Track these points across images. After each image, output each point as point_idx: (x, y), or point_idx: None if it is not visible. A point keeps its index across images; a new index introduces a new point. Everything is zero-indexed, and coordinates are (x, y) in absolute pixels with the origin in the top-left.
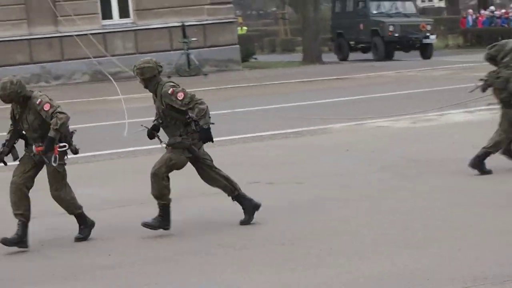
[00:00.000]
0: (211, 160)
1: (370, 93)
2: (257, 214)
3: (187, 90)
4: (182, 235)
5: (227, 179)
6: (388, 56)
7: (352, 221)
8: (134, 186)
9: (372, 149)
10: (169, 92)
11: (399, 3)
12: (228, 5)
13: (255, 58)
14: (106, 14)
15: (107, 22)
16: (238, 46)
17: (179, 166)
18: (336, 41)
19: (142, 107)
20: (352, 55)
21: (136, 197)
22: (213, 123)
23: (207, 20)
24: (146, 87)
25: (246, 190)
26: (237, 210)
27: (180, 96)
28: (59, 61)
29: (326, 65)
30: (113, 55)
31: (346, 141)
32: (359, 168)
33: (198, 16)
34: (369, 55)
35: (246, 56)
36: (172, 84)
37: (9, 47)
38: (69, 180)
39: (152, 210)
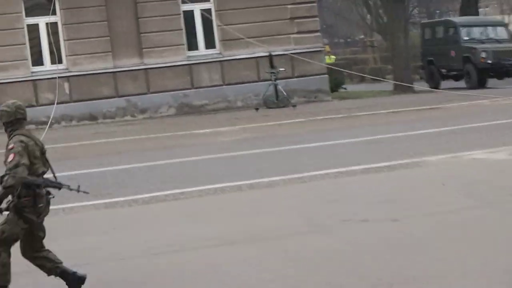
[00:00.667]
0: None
1: (465, 123)
2: (351, 253)
3: (20, 157)
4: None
5: (48, 259)
6: (481, 84)
7: (454, 262)
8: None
9: (469, 183)
10: (9, 147)
11: (490, 29)
12: (316, 34)
13: (345, 88)
14: (192, 45)
15: (192, 53)
16: (326, 75)
17: (15, 239)
18: (427, 68)
19: (231, 141)
20: (444, 83)
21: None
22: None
23: (294, 49)
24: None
25: (339, 228)
26: (330, 248)
27: (10, 157)
28: (144, 94)
29: (418, 94)
30: (199, 87)
31: (441, 174)
32: (457, 204)
33: (285, 46)
34: (461, 83)
35: (335, 85)
36: (20, 139)
37: (94, 80)
38: (156, 220)
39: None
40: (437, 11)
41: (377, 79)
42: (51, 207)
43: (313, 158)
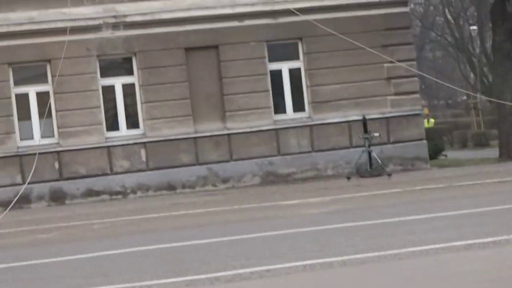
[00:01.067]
0: None
1: None
2: None
3: None
4: None
5: None
6: None
7: None
8: None
9: None
10: None
11: None
12: (414, 95)
13: (445, 155)
14: (279, 107)
15: (279, 116)
16: (425, 141)
17: None
18: None
19: (320, 213)
20: None
21: None
22: None
23: (390, 112)
24: None
25: None
26: None
27: None
28: (227, 161)
29: None
30: (286, 154)
31: None
32: None
33: (381, 109)
34: None
35: (434, 152)
36: None
37: (173, 146)
38: None
39: None
40: None
41: (481, 145)
42: None
43: (411, 232)
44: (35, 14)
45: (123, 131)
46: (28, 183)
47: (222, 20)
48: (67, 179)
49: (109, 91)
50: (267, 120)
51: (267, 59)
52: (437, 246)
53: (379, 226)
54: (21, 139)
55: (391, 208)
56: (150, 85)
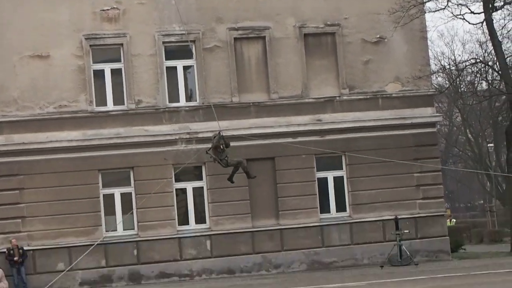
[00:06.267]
0: None
1: None
2: None
3: None
4: None
5: None
6: None
7: None
8: None
9: None
10: None
11: None
12: (439, 200)
13: (464, 249)
14: (324, 207)
15: (324, 215)
16: (447, 237)
17: None
18: None
19: None
20: None
21: None
22: None
23: (419, 213)
24: None
25: None
26: None
27: None
28: (279, 251)
29: None
30: (329, 246)
31: None
32: None
33: (410, 210)
34: None
35: (455, 247)
36: None
37: (234, 239)
38: None
39: None
40: None
41: (495, 241)
42: None
43: None
44: (122, 130)
45: (192, 226)
46: (110, 266)
47: (278, 137)
48: (144, 263)
49: (181, 193)
50: (314, 218)
51: (315, 169)
52: None
53: None
54: (106, 231)
55: None
56: (216, 189)
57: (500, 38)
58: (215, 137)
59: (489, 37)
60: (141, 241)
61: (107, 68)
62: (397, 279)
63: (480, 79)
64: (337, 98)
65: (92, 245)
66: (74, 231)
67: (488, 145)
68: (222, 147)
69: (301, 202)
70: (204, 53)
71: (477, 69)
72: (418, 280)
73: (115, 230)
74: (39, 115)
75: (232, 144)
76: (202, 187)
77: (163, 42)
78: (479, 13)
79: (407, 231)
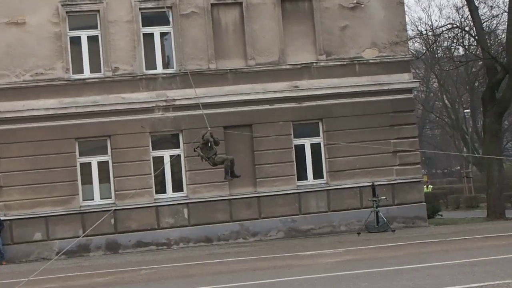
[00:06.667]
0: None
1: None
2: None
3: None
4: None
5: None
6: None
7: None
8: None
9: None
10: None
11: None
12: (416, 166)
13: (441, 215)
14: (301, 175)
15: (302, 182)
16: (424, 203)
17: None
18: None
19: (334, 262)
20: None
21: None
22: None
23: (395, 180)
24: None
25: None
26: None
27: None
28: (256, 219)
29: (510, 221)
30: (306, 213)
31: None
32: None
33: (388, 176)
34: None
35: (432, 213)
36: None
37: (211, 207)
38: None
39: None
40: None
41: (471, 207)
42: None
43: (410, 279)
44: (98, 98)
45: (169, 194)
46: (88, 236)
47: (255, 104)
48: (121, 232)
49: (158, 161)
50: (291, 186)
51: (292, 136)
52: None
53: (383, 273)
54: (83, 200)
55: (394, 259)
56: (193, 156)
57: (476, 3)
58: (204, 134)
59: (465, 2)
60: (119, 210)
61: (83, 35)
62: (374, 245)
63: (457, 44)
64: (314, 64)
65: (69, 214)
66: (51, 200)
67: (465, 111)
68: (210, 145)
69: (279, 170)
70: (181, 19)
71: (454, 35)
72: (395, 246)
73: (92, 199)
74: (15, 83)
75: (210, 111)
76: (180, 155)
77: (140, 9)
78: None
79: (384, 197)
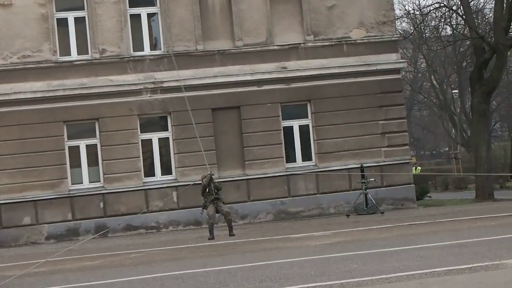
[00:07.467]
0: None
1: None
2: None
3: None
4: None
5: None
6: None
7: None
8: None
9: None
10: None
11: None
12: (404, 147)
13: (429, 197)
14: (290, 157)
15: (290, 165)
16: (413, 185)
17: None
18: None
19: (323, 244)
20: None
21: None
22: None
23: (384, 161)
24: None
25: None
26: None
27: None
28: (245, 201)
29: (499, 202)
30: (295, 196)
31: None
32: None
33: (376, 158)
34: None
35: (420, 194)
36: None
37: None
38: None
39: None
40: None
41: (460, 188)
42: None
43: (400, 260)
44: (86, 80)
45: (158, 177)
46: (77, 219)
47: (243, 85)
48: (110, 216)
49: (147, 144)
50: (280, 168)
51: (280, 118)
52: (421, 271)
53: (372, 255)
54: (72, 183)
55: (383, 240)
56: (182, 139)
57: None
58: (204, 178)
59: None
60: (107, 194)
61: (70, 16)
62: (363, 227)
63: (444, 24)
64: (302, 45)
65: (58, 198)
66: (40, 184)
67: (453, 91)
68: (208, 190)
69: (267, 152)
70: None
71: (441, 14)
72: (384, 228)
73: (81, 182)
74: (2, 66)
75: (197, 93)
76: (168, 138)
77: None
78: None
79: (373, 179)
